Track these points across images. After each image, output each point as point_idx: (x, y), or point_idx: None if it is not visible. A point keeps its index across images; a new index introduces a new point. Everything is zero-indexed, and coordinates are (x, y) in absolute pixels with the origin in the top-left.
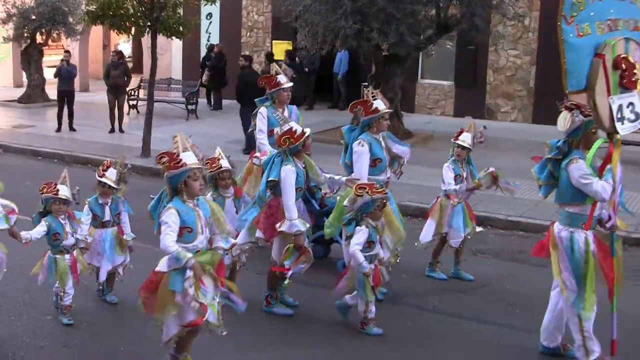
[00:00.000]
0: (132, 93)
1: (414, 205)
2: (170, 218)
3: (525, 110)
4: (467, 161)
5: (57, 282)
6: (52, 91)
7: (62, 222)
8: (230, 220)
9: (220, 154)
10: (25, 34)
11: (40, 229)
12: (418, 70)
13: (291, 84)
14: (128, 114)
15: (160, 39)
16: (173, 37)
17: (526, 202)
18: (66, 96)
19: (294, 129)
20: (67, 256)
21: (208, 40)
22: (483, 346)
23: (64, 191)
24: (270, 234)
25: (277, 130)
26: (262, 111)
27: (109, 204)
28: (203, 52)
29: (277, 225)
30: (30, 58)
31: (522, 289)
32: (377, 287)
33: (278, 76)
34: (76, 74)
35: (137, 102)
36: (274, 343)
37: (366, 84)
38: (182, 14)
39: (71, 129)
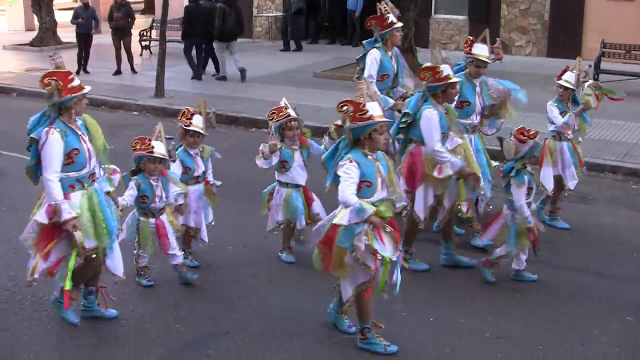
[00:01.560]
0: (145, 34)
1: None
2: (352, 169)
3: (540, 44)
4: (572, 100)
5: (136, 242)
6: (64, 34)
7: (154, 183)
8: (300, 170)
9: (286, 103)
10: None
11: (132, 192)
12: (432, 4)
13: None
14: (141, 54)
15: None
16: None
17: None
18: (85, 39)
19: (439, 69)
20: (152, 220)
21: None
22: (500, 278)
23: (159, 148)
24: (412, 185)
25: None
26: (375, 54)
27: (199, 154)
28: None
29: (436, 172)
30: (41, 1)
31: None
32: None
33: (389, 15)
34: (97, 18)
35: (149, 43)
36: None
37: None
38: None
39: (85, 71)
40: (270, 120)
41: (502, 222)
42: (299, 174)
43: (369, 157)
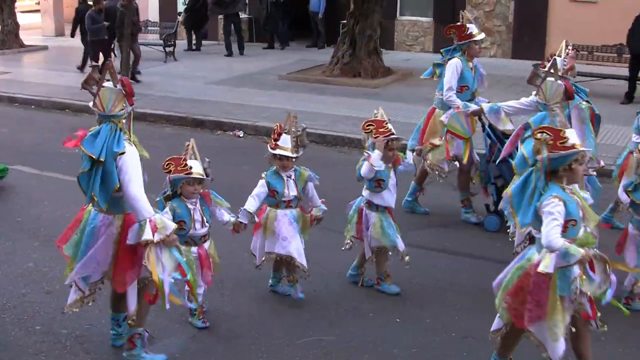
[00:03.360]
0: None
1: None
2: (558, 209)
3: (505, 46)
4: None
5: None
6: (27, 37)
7: (191, 206)
8: (392, 191)
9: (383, 114)
10: None
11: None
12: (397, 6)
13: (483, 35)
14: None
15: None
16: None
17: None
18: (102, 45)
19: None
20: (193, 249)
21: None
22: (469, 277)
23: (196, 168)
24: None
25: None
26: (456, 64)
27: (292, 176)
28: None
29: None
30: (2, 3)
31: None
32: None
33: (469, 26)
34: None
35: (114, 45)
36: None
37: (345, 21)
38: None
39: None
40: (367, 132)
41: (633, 245)
42: (391, 195)
43: (567, 190)
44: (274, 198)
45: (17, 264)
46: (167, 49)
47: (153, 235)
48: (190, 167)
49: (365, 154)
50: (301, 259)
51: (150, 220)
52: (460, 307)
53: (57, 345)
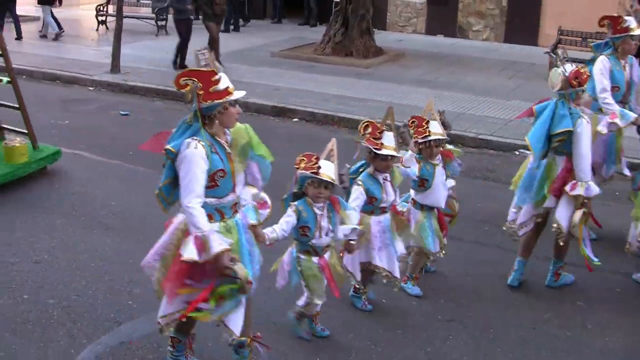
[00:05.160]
0: (101, 9)
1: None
2: None
3: (498, 29)
4: None
5: (305, 287)
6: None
7: (318, 212)
8: (442, 189)
9: (430, 105)
10: None
11: (290, 220)
12: None
13: None
14: (97, 30)
15: None
16: None
17: (497, 120)
18: (187, 25)
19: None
20: (314, 259)
21: None
22: (454, 261)
23: (327, 170)
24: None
25: None
26: (603, 62)
27: (388, 178)
28: None
29: (568, 187)
30: None
31: (491, 206)
32: None
33: (627, 18)
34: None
35: (106, 18)
36: None
37: (338, 0)
38: None
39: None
40: (410, 128)
41: None
42: (440, 194)
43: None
44: (371, 205)
45: (4, 233)
46: (159, 23)
47: (198, 255)
48: (319, 167)
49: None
50: (393, 268)
51: (196, 238)
52: (445, 292)
53: (44, 315)
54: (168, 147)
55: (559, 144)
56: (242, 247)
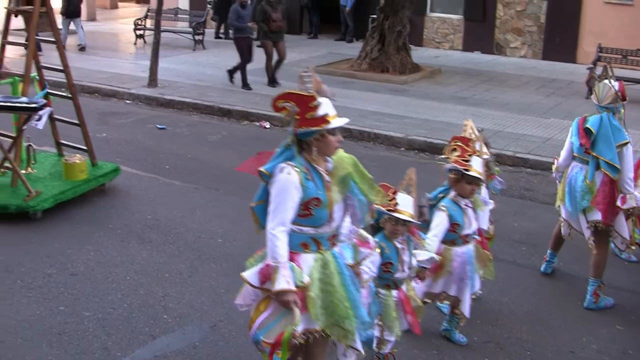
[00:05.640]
0: (139, 23)
1: (421, 139)
2: None
3: (535, 46)
4: None
5: (379, 322)
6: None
7: (399, 246)
8: (482, 215)
9: (472, 128)
10: None
11: (375, 260)
12: (427, 3)
13: None
14: (135, 43)
15: None
16: None
17: (535, 138)
18: (249, 44)
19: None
20: (394, 292)
21: None
22: (490, 282)
23: (405, 205)
24: (611, 217)
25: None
26: None
27: (470, 204)
28: None
29: (618, 202)
30: None
31: (529, 226)
32: None
33: None
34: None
35: (144, 32)
36: None
37: (374, 16)
38: None
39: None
40: (452, 152)
41: None
42: (482, 219)
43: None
44: (454, 232)
45: (42, 245)
46: (196, 37)
47: (258, 282)
48: (397, 204)
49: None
50: (464, 306)
51: (267, 265)
52: (481, 313)
53: (80, 327)
54: (262, 169)
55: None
56: (345, 279)
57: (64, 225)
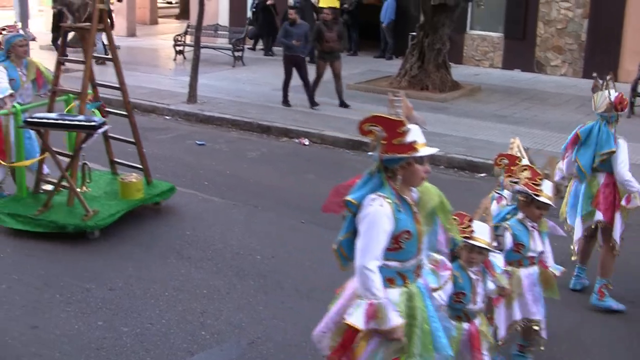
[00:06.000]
0: (179, 39)
1: (461, 157)
2: None
3: (576, 65)
4: None
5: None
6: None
7: (473, 276)
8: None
9: (519, 147)
10: None
11: (447, 288)
12: (467, 20)
13: None
14: (174, 59)
15: None
16: None
17: None
18: (298, 63)
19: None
20: (465, 325)
21: None
22: None
23: (482, 233)
24: (611, 215)
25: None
26: None
27: (536, 226)
28: None
29: (623, 201)
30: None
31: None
32: None
33: None
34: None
35: (183, 48)
36: None
37: (414, 33)
38: None
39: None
40: (499, 167)
41: None
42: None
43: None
44: (518, 253)
45: (82, 259)
46: (236, 54)
47: (365, 324)
48: (472, 231)
49: (495, 194)
50: (542, 329)
51: (370, 304)
52: None
53: (118, 342)
54: (350, 199)
55: (601, 164)
56: (431, 315)
57: (103, 240)
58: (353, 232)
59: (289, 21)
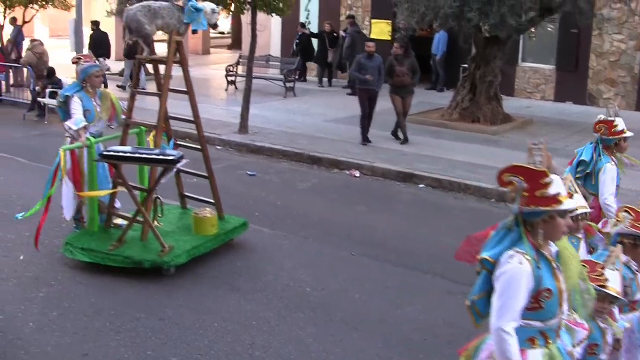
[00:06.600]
0: (231, 69)
1: None
2: None
3: (629, 97)
4: None
5: None
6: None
7: (603, 326)
8: None
9: (571, 182)
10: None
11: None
12: (519, 53)
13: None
14: (226, 90)
15: (260, 15)
16: (273, 14)
17: (628, 192)
18: (372, 98)
19: (615, 123)
20: None
21: (307, 18)
22: None
23: (614, 282)
24: None
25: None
26: None
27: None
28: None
29: (600, 225)
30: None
31: None
32: None
33: None
34: (382, 70)
35: (235, 79)
36: None
37: (466, 66)
38: None
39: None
40: (623, 214)
41: None
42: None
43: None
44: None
45: (133, 288)
46: (288, 85)
47: None
48: (607, 279)
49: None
50: None
51: None
52: None
53: None
54: (486, 257)
55: (580, 179)
56: None
57: (152, 270)
58: (489, 292)
59: (367, 54)
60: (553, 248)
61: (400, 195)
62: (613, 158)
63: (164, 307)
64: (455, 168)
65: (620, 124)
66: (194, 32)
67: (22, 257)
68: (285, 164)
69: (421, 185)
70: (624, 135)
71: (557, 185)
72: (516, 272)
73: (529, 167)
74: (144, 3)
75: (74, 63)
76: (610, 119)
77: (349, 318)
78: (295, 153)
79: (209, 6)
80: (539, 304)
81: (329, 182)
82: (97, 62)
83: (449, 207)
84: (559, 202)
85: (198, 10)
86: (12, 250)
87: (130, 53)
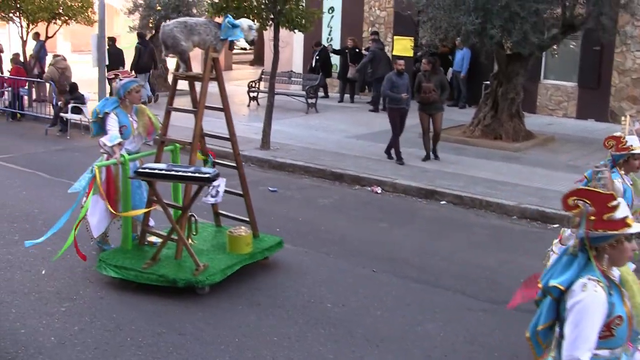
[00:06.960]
0: (253, 85)
1: (534, 208)
2: None
3: None
4: None
5: None
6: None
7: None
8: None
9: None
10: (150, 24)
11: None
12: (541, 70)
13: None
14: (248, 105)
15: (282, 32)
16: (295, 31)
17: None
18: (402, 116)
19: (623, 138)
20: None
21: (329, 35)
22: None
23: None
24: None
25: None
26: None
27: None
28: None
29: None
30: (155, 48)
31: None
32: None
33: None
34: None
35: (257, 94)
36: None
37: (488, 82)
38: (304, 7)
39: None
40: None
41: None
42: None
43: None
44: None
45: (154, 302)
46: (309, 101)
47: None
48: None
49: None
50: None
51: None
52: None
53: None
54: (555, 284)
55: None
56: None
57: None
58: (554, 320)
59: (397, 71)
60: (616, 272)
61: (421, 212)
62: (622, 174)
63: (183, 322)
64: (477, 185)
65: (630, 140)
66: (231, 47)
67: (43, 272)
68: (306, 180)
69: (442, 202)
70: (633, 152)
71: (624, 208)
72: (592, 300)
73: (595, 190)
74: (180, 19)
75: (109, 79)
76: (617, 134)
77: (370, 334)
78: (316, 169)
79: (245, 22)
80: (610, 331)
81: (350, 198)
82: (136, 77)
83: (470, 224)
84: (628, 225)
85: (235, 26)
86: (33, 264)
87: (139, 68)
